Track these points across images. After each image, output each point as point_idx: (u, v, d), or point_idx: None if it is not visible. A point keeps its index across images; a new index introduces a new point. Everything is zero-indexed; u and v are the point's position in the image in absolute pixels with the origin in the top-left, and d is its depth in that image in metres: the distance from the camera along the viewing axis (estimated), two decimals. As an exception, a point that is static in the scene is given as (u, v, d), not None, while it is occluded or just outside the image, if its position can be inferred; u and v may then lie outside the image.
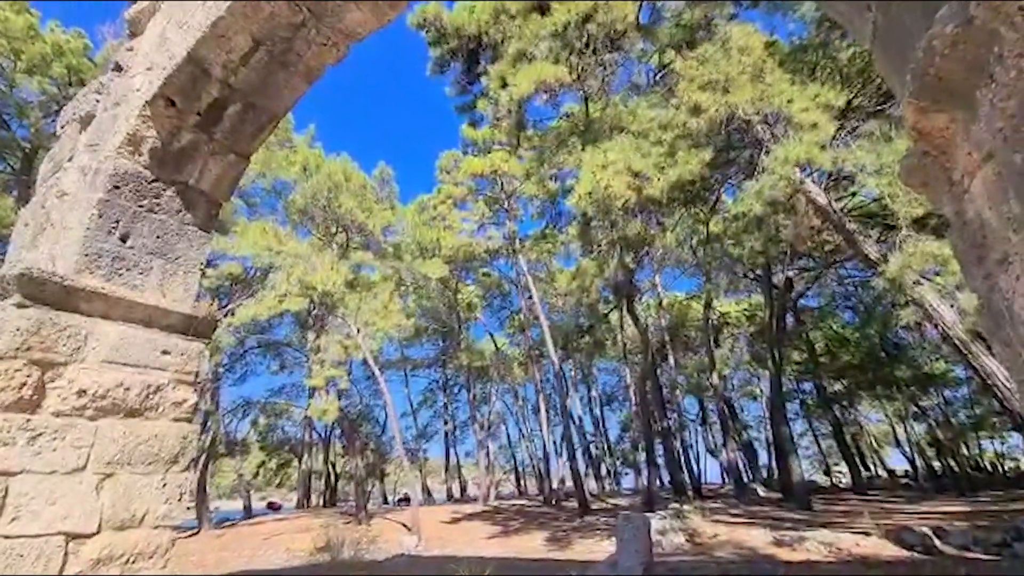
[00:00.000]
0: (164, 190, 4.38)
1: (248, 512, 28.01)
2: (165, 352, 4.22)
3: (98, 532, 3.53)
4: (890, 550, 8.43)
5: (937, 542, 8.18)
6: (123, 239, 4.16)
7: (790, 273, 19.64)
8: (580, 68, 11.54)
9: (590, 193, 8.82)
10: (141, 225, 4.26)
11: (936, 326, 7.08)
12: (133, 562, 3.67)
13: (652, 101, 10.30)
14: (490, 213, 22.63)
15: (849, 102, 10.85)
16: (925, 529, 8.43)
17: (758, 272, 22.22)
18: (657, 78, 10.54)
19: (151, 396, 4.03)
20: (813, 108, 7.57)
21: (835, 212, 8.20)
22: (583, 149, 15.03)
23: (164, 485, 3.98)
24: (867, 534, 9.06)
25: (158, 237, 4.37)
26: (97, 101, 4.70)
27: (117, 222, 4.11)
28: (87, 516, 3.49)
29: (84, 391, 3.64)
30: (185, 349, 4.36)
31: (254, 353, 26.59)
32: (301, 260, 14.79)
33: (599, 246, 16.66)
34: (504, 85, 10.70)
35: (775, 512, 14.62)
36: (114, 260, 4.08)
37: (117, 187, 4.10)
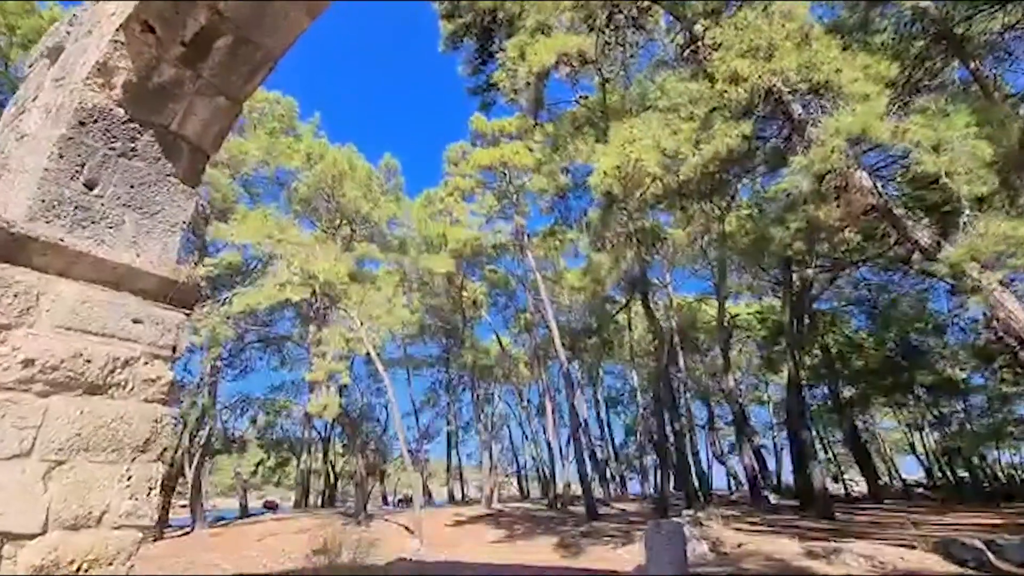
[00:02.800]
0: (141, 133, 3.76)
1: (244, 511, 27.36)
2: (137, 321, 3.58)
3: (43, 532, 2.89)
4: (939, 566, 7.73)
5: (992, 556, 7.48)
6: (89, 186, 3.53)
7: (809, 272, 18.94)
8: (602, 45, 10.90)
9: (618, 167, 8.14)
10: (112, 172, 3.64)
11: (999, 319, 6.41)
12: (87, 569, 3.02)
13: (682, 75, 9.66)
14: (498, 206, 22.02)
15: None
16: (977, 543, 7.72)
17: (774, 272, 21.55)
18: (685, 54, 9.93)
19: (117, 371, 3.39)
20: (863, 79, 6.92)
21: (881, 195, 7.52)
22: (598, 139, 14.43)
23: (129, 477, 3.34)
24: (911, 547, 8.36)
25: (132, 187, 3.75)
26: (68, 33, 4.10)
27: (82, 165, 3.48)
28: (29, 513, 2.85)
29: (32, 361, 3.00)
30: (162, 318, 3.73)
31: (254, 348, 25.98)
32: (303, 249, 14.19)
33: (612, 240, 16.02)
34: (523, 57, 10.09)
35: (796, 521, 13.92)
36: (77, 209, 3.45)
37: (83, 123, 3.47)
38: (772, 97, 8.42)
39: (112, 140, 3.62)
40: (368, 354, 17.31)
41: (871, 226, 18.53)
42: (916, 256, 24.61)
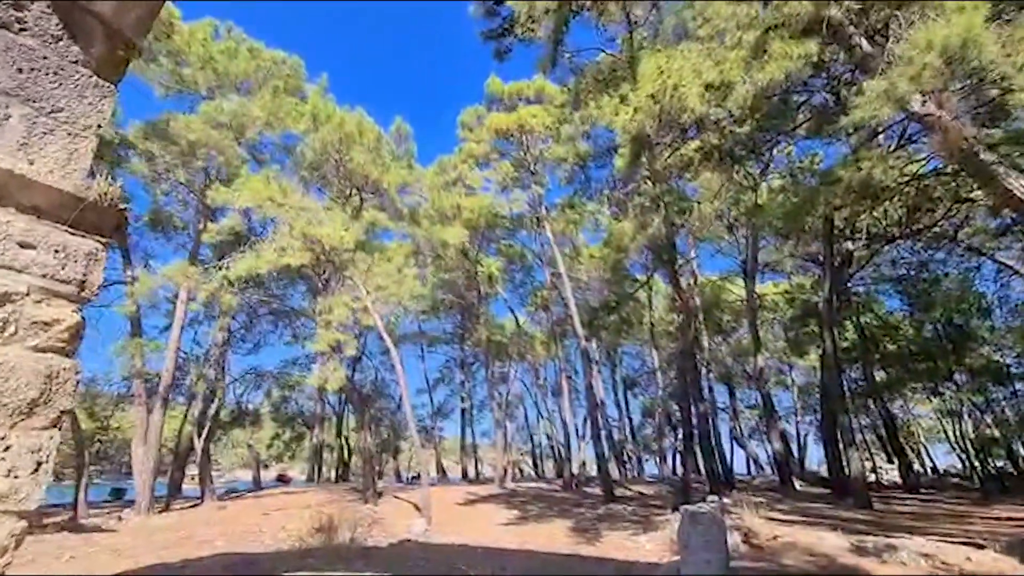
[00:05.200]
0: (31, 0, 2.86)
1: (257, 484, 27.39)
2: (25, 245, 2.73)
3: None
4: (1013, 569, 6.70)
5: (1083, 563, 6.43)
6: (-46, 63, 2.66)
7: (849, 245, 17.60)
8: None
9: (652, 97, 7.03)
10: (-11, 48, 2.75)
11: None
12: (-67, 570, 2.25)
13: (730, -4, 8.36)
14: (514, 173, 20.95)
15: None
16: (1063, 545, 6.67)
17: (811, 247, 20.24)
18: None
19: (-9, 308, 2.56)
20: (953, -10, 5.70)
21: (965, 136, 6.25)
22: (623, 99, 13.23)
23: (7, 448, 2.53)
24: (978, 546, 7.34)
25: (21, 72, 2.85)
26: None
27: (-58, 33, 2.61)
28: None
29: None
30: (63, 245, 2.88)
31: (266, 321, 25.62)
32: (306, 213, 13.42)
33: (636, 208, 14.94)
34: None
35: (831, 511, 12.92)
36: (-67, 92, 2.58)
37: (-59, -25, 2.58)
38: (831, 30, 7.20)
39: (-13, 4, 2.73)
40: (384, 330, 16.65)
41: (922, 195, 17.07)
42: (964, 231, 22.88)
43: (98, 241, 3.07)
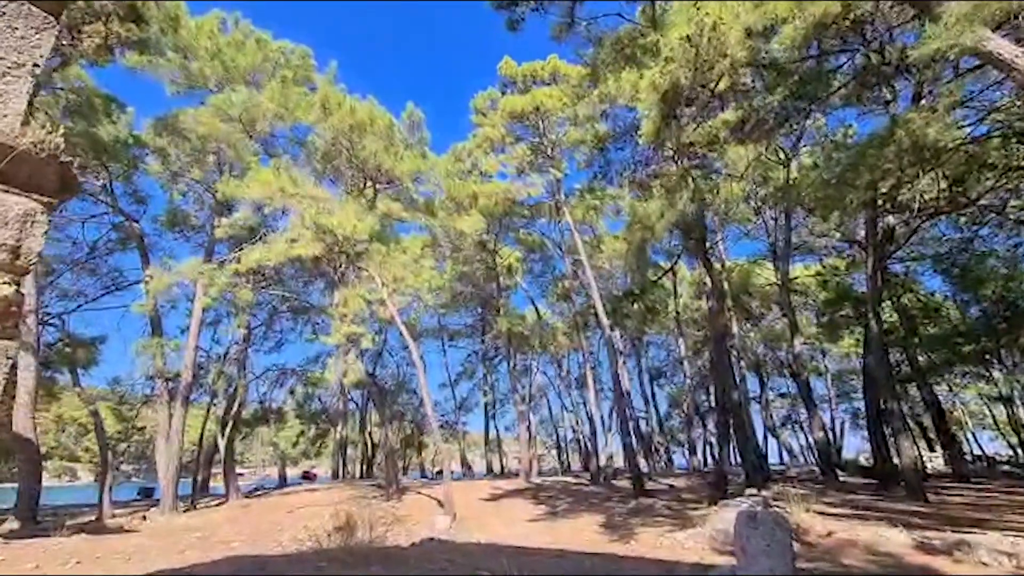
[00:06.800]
0: (-61, -95, 2.35)
1: (283, 481, 27.44)
2: (-62, 202, 2.24)
3: None
4: (1115, 569, 5.87)
5: None
6: None
7: (891, 220, 16.52)
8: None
9: (688, 40, 6.28)
10: None
11: None
12: None
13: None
14: (531, 157, 20.27)
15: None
16: None
17: (851, 223, 19.19)
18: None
19: None
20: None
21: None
22: (642, 75, 12.47)
23: (-89, 448, 2.04)
24: (1069, 543, 6.50)
25: (-70, -7, 2.36)
26: None
27: None
28: None
29: None
30: (-11, 203, 2.38)
31: (286, 318, 25.52)
32: (317, 202, 13.02)
33: (660, 187, 14.17)
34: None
35: (882, 503, 12.03)
36: None
37: None
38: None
39: None
40: (401, 322, 16.26)
41: (972, 161, 15.90)
42: (1013, 204, 21.48)
43: (37, 201, 2.56)
